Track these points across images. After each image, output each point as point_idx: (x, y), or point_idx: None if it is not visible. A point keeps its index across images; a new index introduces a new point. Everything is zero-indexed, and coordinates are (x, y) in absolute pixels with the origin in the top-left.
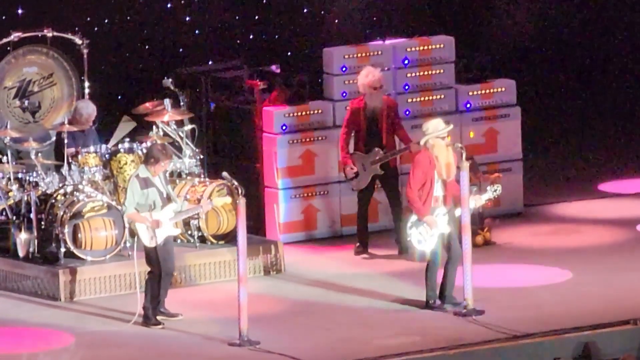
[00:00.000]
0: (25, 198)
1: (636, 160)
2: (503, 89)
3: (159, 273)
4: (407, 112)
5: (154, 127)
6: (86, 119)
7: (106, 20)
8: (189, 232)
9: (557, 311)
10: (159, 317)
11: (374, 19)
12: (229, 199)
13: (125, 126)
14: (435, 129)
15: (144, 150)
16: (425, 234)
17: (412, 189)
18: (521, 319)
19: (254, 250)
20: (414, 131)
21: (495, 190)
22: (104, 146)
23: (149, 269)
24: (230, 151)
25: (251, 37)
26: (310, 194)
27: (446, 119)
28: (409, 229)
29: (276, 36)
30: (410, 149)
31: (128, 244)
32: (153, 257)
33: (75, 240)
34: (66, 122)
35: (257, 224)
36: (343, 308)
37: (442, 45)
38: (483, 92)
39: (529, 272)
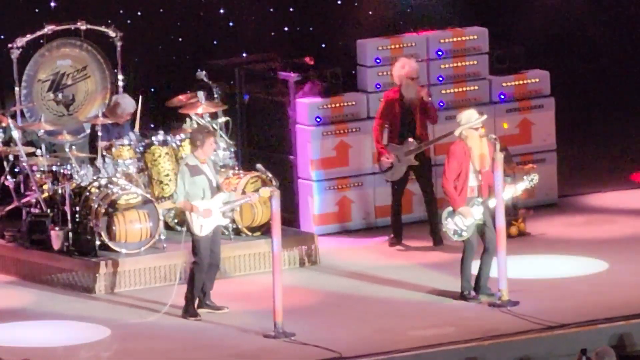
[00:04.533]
0: (60, 191)
1: None
2: (537, 80)
3: (204, 264)
4: (441, 104)
5: (188, 119)
6: (126, 114)
7: (139, 13)
8: (224, 225)
9: (592, 302)
10: (204, 310)
11: (408, 10)
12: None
13: (140, 106)
14: (469, 119)
15: (178, 143)
16: (461, 225)
17: (448, 179)
18: (556, 310)
19: (289, 242)
20: (448, 122)
21: (532, 179)
22: (132, 134)
23: (193, 260)
24: (264, 143)
25: (286, 29)
26: (344, 186)
27: (480, 110)
28: (445, 220)
29: (310, 28)
30: (455, 133)
31: (163, 237)
32: (200, 247)
33: (109, 232)
34: (100, 114)
35: (291, 215)
36: (377, 299)
37: (475, 36)
38: (517, 83)
39: (563, 263)
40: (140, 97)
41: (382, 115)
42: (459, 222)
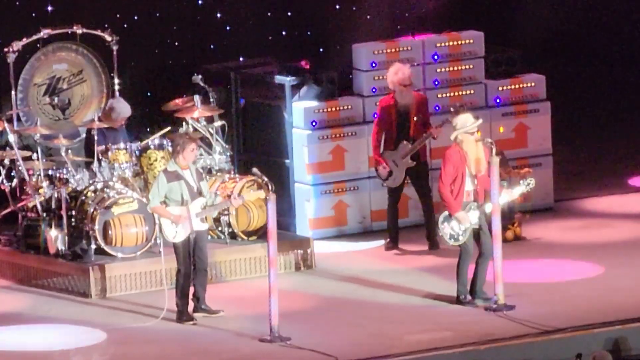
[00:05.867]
0: (56, 195)
1: None
2: (533, 84)
3: (185, 270)
4: (437, 108)
5: (184, 123)
6: (121, 118)
7: (136, 17)
8: (220, 229)
9: (588, 306)
10: (201, 314)
11: (407, 15)
12: (262, 193)
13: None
14: (464, 124)
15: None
16: (457, 229)
17: (444, 184)
18: (552, 314)
19: (285, 246)
20: (444, 127)
21: (528, 184)
22: (134, 145)
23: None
24: (260, 147)
25: (283, 33)
26: (340, 190)
27: (475, 114)
28: (441, 224)
29: (308, 32)
30: (434, 136)
31: (159, 241)
32: (179, 253)
33: (105, 237)
34: (96, 119)
35: (287, 219)
36: (373, 303)
37: (471, 41)
38: (513, 87)
39: (559, 267)
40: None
41: (380, 122)
42: (455, 227)
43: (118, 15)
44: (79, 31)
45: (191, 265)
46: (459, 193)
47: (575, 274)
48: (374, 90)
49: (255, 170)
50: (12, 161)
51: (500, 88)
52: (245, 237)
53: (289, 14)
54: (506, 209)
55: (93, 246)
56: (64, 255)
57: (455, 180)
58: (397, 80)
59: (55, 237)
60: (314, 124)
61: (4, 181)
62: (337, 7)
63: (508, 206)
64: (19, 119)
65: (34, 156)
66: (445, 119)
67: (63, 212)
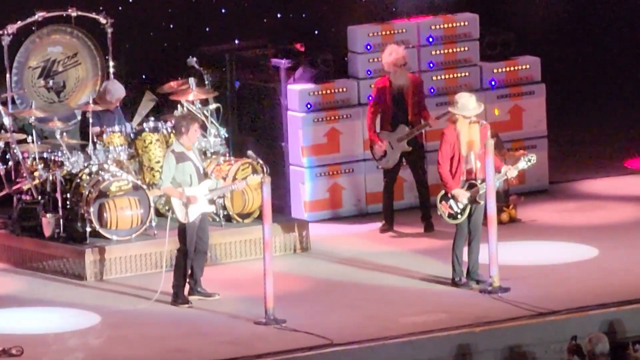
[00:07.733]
0: (51, 178)
1: None
2: (528, 66)
3: (190, 251)
4: (432, 90)
5: (179, 106)
6: (116, 100)
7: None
8: (215, 211)
9: (582, 288)
10: (196, 297)
11: None
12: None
13: (147, 103)
14: (464, 106)
15: (169, 130)
16: (456, 208)
17: (441, 164)
18: (547, 296)
19: (280, 229)
20: (439, 108)
21: (529, 160)
22: (128, 125)
23: (178, 246)
24: (255, 130)
25: (279, 15)
26: (335, 172)
27: (479, 100)
28: (439, 203)
29: (303, 14)
30: (430, 125)
31: (154, 223)
32: (185, 234)
33: (100, 219)
34: (91, 101)
35: (282, 202)
36: (369, 286)
37: (466, 23)
38: (508, 69)
39: (554, 249)
40: (147, 94)
41: (375, 102)
42: (454, 206)
43: None
44: (74, 14)
45: (193, 247)
46: (457, 172)
47: (570, 256)
48: (368, 72)
49: (250, 152)
50: (7, 144)
51: (495, 70)
52: (241, 220)
53: None
54: (501, 191)
55: (88, 229)
56: (59, 238)
57: (452, 160)
58: (392, 61)
59: (50, 220)
60: (308, 106)
61: None
62: None
63: (503, 188)
64: (13, 102)
65: (29, 139)
66: (446, 111)
67: (58, 195)
